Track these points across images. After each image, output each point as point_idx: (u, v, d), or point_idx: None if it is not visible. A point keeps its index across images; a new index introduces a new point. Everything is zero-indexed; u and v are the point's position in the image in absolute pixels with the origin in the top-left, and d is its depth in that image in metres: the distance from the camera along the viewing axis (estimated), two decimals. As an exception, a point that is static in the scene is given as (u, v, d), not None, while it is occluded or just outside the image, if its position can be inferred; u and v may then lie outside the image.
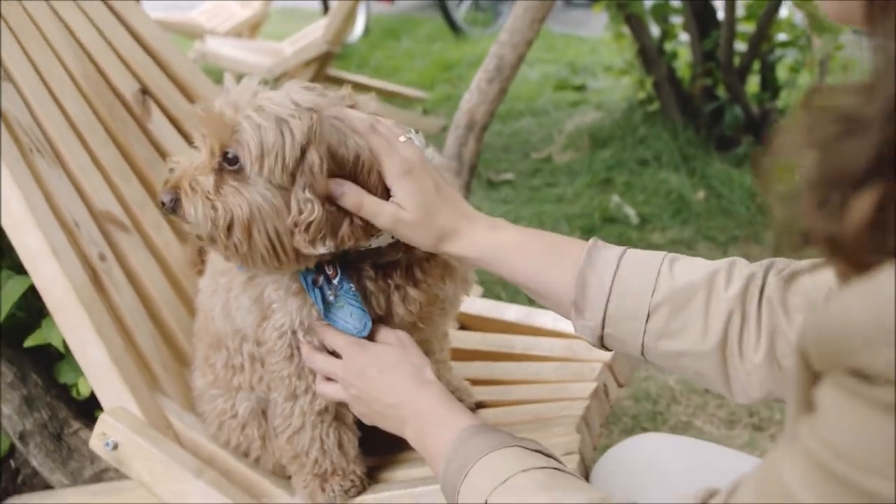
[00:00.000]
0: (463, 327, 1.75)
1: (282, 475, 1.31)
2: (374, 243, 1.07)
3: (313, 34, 4.34)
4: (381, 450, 1.31)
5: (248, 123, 0.98)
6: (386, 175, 1.00)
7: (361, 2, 6.45)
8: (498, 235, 1.01)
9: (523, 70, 5.20)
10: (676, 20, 3.81)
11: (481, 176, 3.67)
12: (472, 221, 1.02)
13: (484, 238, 1.00)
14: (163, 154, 1.61)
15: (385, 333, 1.09)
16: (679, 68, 3.87)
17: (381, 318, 1.14)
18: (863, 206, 0.43)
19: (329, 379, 1.12)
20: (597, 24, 4.31)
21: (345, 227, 1.01)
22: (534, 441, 0.92)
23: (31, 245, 1.35)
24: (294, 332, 1.14)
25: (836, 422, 0.44)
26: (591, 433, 1.30)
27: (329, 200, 1.00)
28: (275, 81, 3.52)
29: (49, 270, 1.34)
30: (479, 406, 1.45)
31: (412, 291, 1.12)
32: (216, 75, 5.18)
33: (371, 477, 1.29)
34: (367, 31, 6.47)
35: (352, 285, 1.08)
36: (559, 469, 0.87)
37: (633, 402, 2.20)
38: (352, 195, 0.99)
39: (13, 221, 1.35)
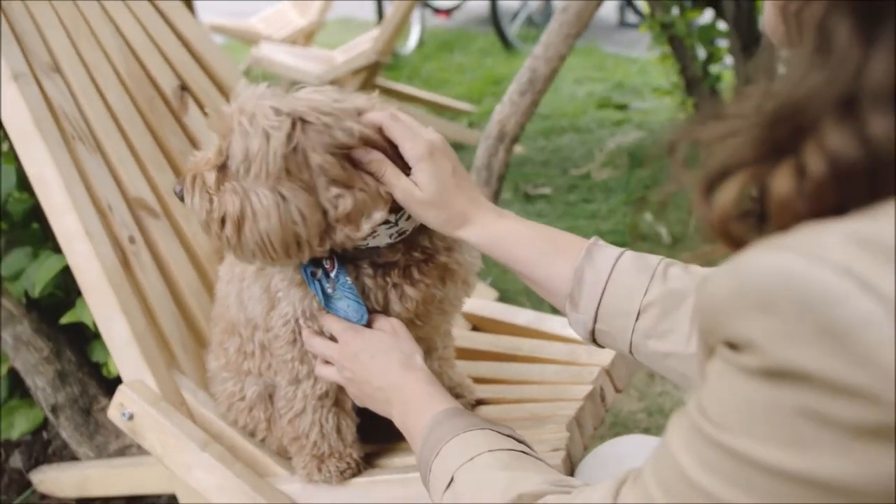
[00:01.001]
0: (475, 328, 1.81)
1: (285, 456, 1.37)
2: (372, 243, 1.12)
3: (365, 44, 4.44)
4: (380, 438, 1.38)
5: (238, 129, 1.04)
6: (407, 156, 1.05)
7: (417, 14, 6.57)
8: (504, 224, 1.05)
9: (570, 87, 5.24)
10: (723, 43, 3.82)
11: (519, 189, 3.72)
12: (481, 208, 1.06)
13: (491, 225, 1.04)
14: (196, 146, 1.71)
15: (380, 321, 1.15)
16: (724, 91, 3.88)
17: (379, 314, 1.19)
18: (727, 193, 0.49)
19: (327, 363, 1.19)
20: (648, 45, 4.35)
21: (383, 194, 1.05)
22: (508, 427, 0.98)
23: (68, 226, 1.44)
24: (297, 320, 1.21)
25: (712, 389, 0.48)
26: (583, 433, 1.34)
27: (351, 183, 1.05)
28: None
29: (82, 250, 1.43)
30: (479, 403, 1.50)
31: (409, 290, 1.17)
32: (270, 80, 5.33)
33: (368, 462, 1.35)
34: (421, 43, 6.57)
35: (348, 279, 1.13)
36: (526, 453, 0.92)
37: (646, 416, 2.23)
38: (377, 163, 1.04)
39: (53, 204, 1.44)
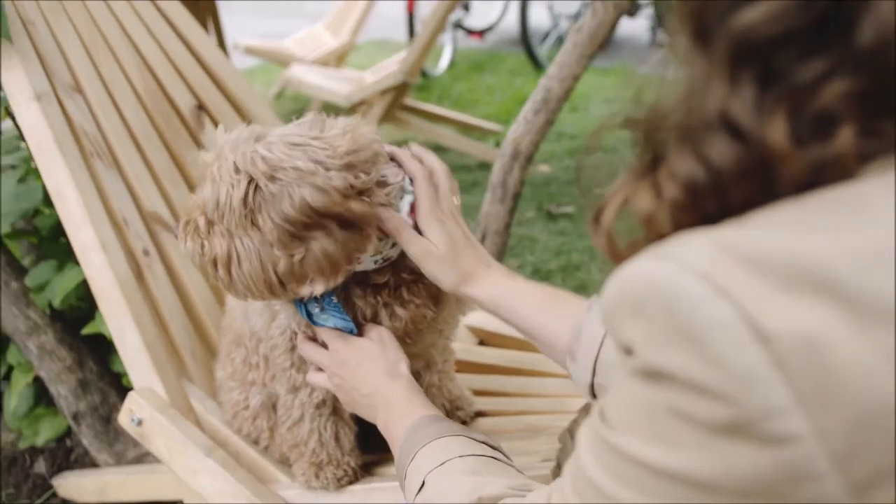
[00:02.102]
0: (482, 343, 1.84)
1: (286, 463, 1.41)
2: (359, 267, 1.14)
3: (394, 65, 4.51)
4: (378, 447, 1.41)
5: (209, 178, 1.07)
6: (422, 216, 1.10)
7: (449, 36, 6.65)
8: (509, 283, 1.09)
9: (599, 108, 5.26)
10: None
11: (542, 207, 3.74)
12: (489, 268, 1.11)
13: (496, 285, 1.09)
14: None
15: (368, 329, 1.18)
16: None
17: (368, 323, 1.21)
18: (607, 215, 0.52)
19: (320, 370, 1.23)
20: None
21: (327, 268, 1.05)
22: (483, 434, 1.00)
23: (84, 239, 1.50)
24: (294, 331, 1.25)
25: (612, 393, 0.50)
26: (575, 444, 1.36)
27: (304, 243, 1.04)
28: (348, 110, 3.67)
29: (97, 262, 1.49)
30: (479, 415, 1.53)
31: (399, 310, 1.19)
32: (302, 101, 5.43)
33: (366, 470, 1.39)
34: (452, 64, 6.64)
35: (334, 297, 1.16)
36: (498, 459, 0.95)
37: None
38: (392, 222, 1.08)
39: (70, 217, 1.51)
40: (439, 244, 1.08)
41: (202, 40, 1.87)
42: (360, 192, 1.04)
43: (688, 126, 0.50)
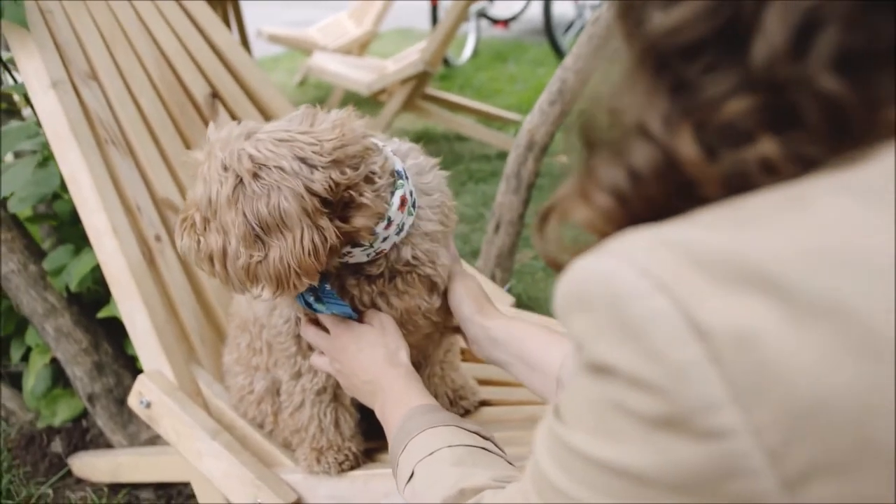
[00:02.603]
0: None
1: (290, 448, 1.44)
2: (351, 260, 1.16)
3: (416, 54, 4.51)
4: (381, 435, 1.42)
5: (200, 175, 1.09)
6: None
7: (473, 25, 6.64)
8: (518, 322, 1.20)
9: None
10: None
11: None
12: (499, 310, 1.25)
13: (510, 321, 1.20)
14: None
15: (369, 315, 1.20)
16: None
17: (369, 309, 1.23)
18: (551, 225, 0.54)
19: (322, 353, 1.25)
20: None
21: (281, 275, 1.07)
22: (475, 424, 1.02)
23: (97, 224, 1.53)
24: (297, 318, 1.27)
25: (567, 390, 0.51)
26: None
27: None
28: (370, 99, 3.65)
29: (109, 247, 1.52)
30: (482, 404, 1.54)
31: (394, 300, 1.21)
32: (324, 89, 5.45)
33: (368, 456, 1.41)
34: (475, 53, 6.64)
35: (327, 285, 1.17)
36: (488, 450, 0.96)
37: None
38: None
39: (84, 203, 1.54)
40: (467, 293, 1.24)
41: (218, 29, 1.89)
42: (347, 188, 1.05)
43: (613, 132, 0.51)
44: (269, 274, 1.05)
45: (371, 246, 1.13)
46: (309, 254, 1.03)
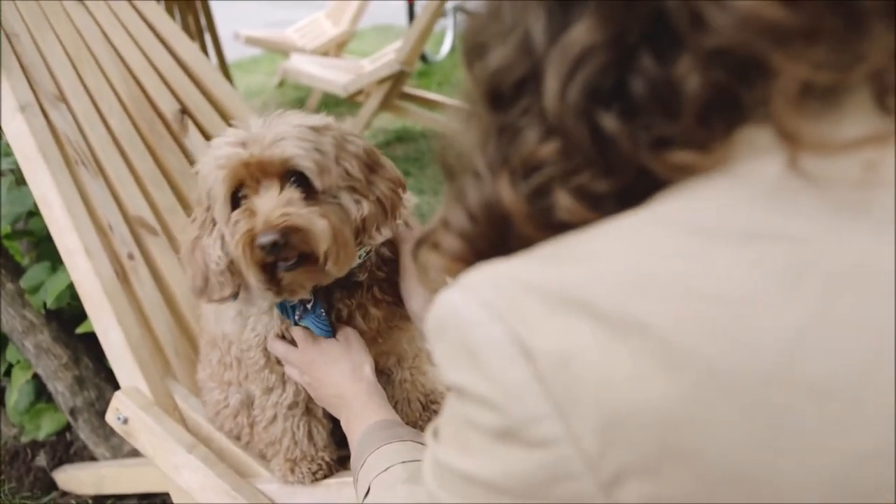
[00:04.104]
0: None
1: (266, 458, 1.47)
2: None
3: (393, 53, 4.53)
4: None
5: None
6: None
7: (451, 21, 6.65)
8: None
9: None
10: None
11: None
12: None
13: None
14: (194, 166, 1.81)
15: (337, 330, 1.24)
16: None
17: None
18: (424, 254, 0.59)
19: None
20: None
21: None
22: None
23: (70, 245, 1.56)
24: (266, 336, 1.30)
25: (444, 410, 0.56)
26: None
27: None
28: (347, 100, 3.65)
29: (83, 267, 1.55)
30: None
31: (373, 310, 1.24)
32: (304, 90, 5.46)
33: (342, 465, 1.44)
34: (453, 49, 6.66)
35: (322, 311, 1.21)
36: None
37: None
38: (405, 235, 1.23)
39: (56, 224, 1.56)
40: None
41: (184, 44, 1.91)
42: None
43: (457, 170, 0.56)
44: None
45: (370, 242, 1.17)
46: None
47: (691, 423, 0.43)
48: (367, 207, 1.13)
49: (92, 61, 1.76)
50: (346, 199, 1.13)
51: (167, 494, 1.98)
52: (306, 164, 1.09)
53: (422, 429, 1.36)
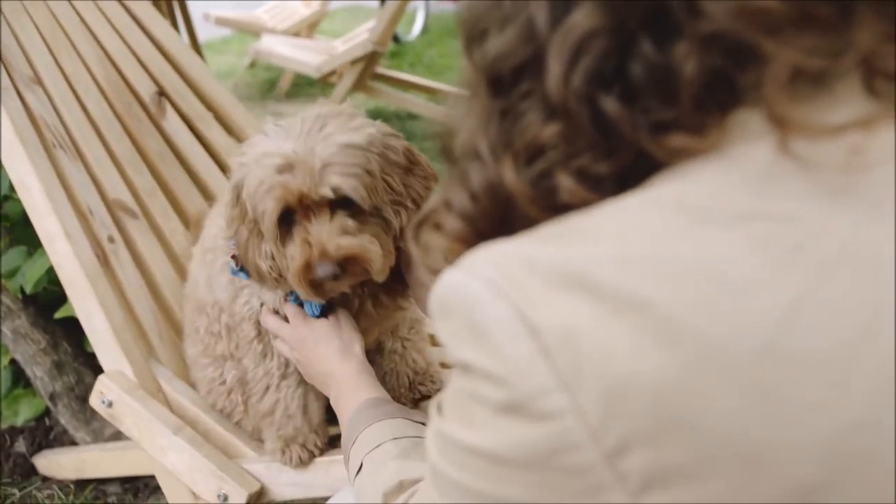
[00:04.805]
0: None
1: (259, 437, 1.48)
2: None
3: (365, 34, 4.52)
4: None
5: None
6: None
7: (421, 1, 6.63)
8: None
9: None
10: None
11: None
12: None
13: None
14: (174, 149, 1.81)
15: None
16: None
17: (355, 316, 1.30)
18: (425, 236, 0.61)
19: None
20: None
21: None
22: (422, 413, 1.07)
23: (49, 228, 1.55)
24: (261, 306, 1.31)
25: (446, 388, 0.58)
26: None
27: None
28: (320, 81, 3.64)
29: (63, 251, 1.54)
30: (445, 388, 1.59)
31: (383, 297, 1.29)
32: (275, 71, 5.42)
33: (332, 444, 1.45)
34: (425, 29, 6.64)
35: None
36: None
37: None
38: None
39: (35, 208, 1.55)
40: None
41: (160, 26, 1.90)
42: None
43: (459, 153, 0.58)
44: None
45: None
46: None
47: (689, 395, 0.46)
48: (405, 217, 1.15)
49: (67, 44, 1.75)
50: (389, 211, 1.15)
51: (150, 477, 1.99)
52: (357, 195, 1.10)
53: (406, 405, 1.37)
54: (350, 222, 1.12)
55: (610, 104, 0.50)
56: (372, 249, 1.12)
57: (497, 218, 0.56)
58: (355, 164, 1.10)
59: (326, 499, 1.20)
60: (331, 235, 1.11)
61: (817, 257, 0.46)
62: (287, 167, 1.09)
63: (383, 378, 1.45)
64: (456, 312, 0.52)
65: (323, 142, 1.10)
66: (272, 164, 1.10)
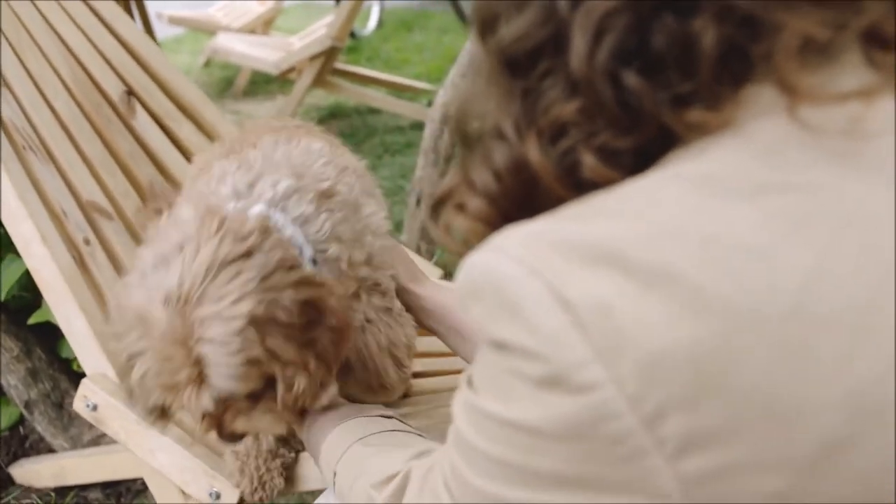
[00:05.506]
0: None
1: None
2: None
3: (322, 29, 4.50)
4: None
5: None
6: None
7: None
8: (447, 292, 1.27)
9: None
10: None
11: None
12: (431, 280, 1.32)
13: (437, 289, 1.28)
14: (145, 149, 1.79)
15: None
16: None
17: None
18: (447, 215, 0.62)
19: None
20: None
21: None
22: (378, 407, 1.09)
23: (24, 233, 1.52)
24: None
25: (475, 363, 0.59)
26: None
27: None
28: (278, 78, 3.62)
29: (39, 254, 1.51)
30: (417, 376, 1.60)
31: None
32: (231, 69, 5.37)
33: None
34: (380, 23, 6.62)
35: None
36: (395, 430, 1.02)
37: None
38: None
39: (9, 212, 1.52)
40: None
41: (125, 24, 1.88)
42: None
43: (480, 134, 0.59)
44: None
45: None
46: None
47: (721, 360, 0.48)
48: (302, 382, 0.99)
49: (32, 44, 1.72)
50: (281, 380, 0.99)
51: (132, 481, 1.97)
52: (242, 390, 0.98)
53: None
54: (242, 403, 1.02)
55: (632, 79, 0.52)
56: (268, 425, 1.05)
57: (520, 197, 0.58)
58: (237, 354, 0.94)
59: (319, 492, 1.20)
60: (224, 421, 1.03)
61: (833, 222, 0.49)
62: (169, 362, 0.95)
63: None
64: (488, 293, 0.53)
65: (201, 327, 0.94)
66: (154, 353, 0.96)
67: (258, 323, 0.94)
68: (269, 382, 1.00)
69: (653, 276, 0.49)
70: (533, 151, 0.55)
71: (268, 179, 1.10)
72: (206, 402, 0.96)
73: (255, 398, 1.02)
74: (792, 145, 0.51)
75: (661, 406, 0.48)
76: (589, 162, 0.54)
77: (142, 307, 0.98)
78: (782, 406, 0.48)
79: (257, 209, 1.06)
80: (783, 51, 0.50)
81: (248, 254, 0.97)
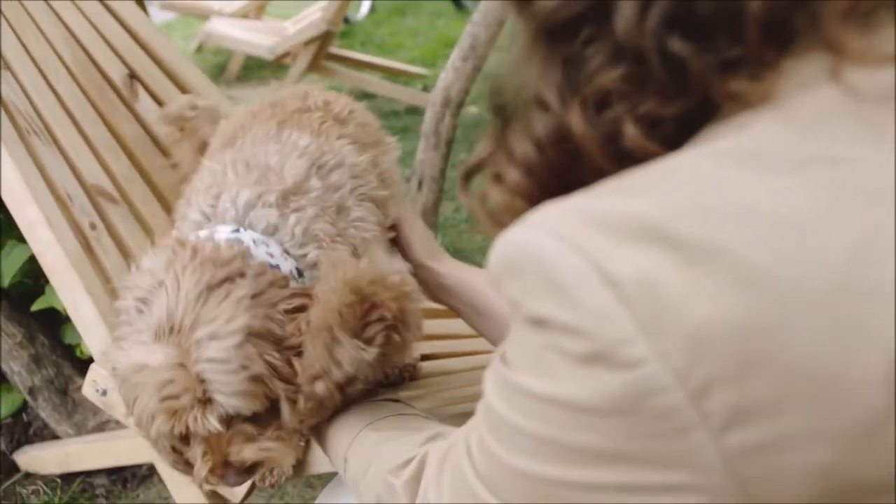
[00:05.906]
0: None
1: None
2: None
3: (316, 14, 4.47)
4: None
5: None
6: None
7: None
8: (466, 268, 1.27)
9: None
10: None
11: (473, 149, 3.80)
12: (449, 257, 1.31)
13: (457, 266, 1.27)
14: (149, 132, 1.77)
15: None
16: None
17: None
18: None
19: None
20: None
21: None
22: (384, 390, 1.09)
23: (29, 217, 1.51)
24: None
25: (510, 339, 0.58)
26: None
27: None
28: (273, 63, 3.61)
29: (45, 239, 1.50)
30: (425, 358, 1.60)
31: None
32: (224, 55, 5.33)
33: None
34: (373, 8, 6.59)
35: None
36: (402, 413, 1.02)
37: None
38: None
39: (13, 196, 1.51)
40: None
41: (128, 8, 1.86)
42: None
43: (518, 104, 0.59)
44: None
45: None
46: None
47: (767, 334, 0.47)
48: (302, 403, 0.97)
49: (34, 27, 1.70)
50: (283, 400, 0.97)
51: (138, 467, 1.97)
52: (248, 409, 0.96)
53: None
54: (249, 428, 1.00)
55: (679, 44, 0.52)
56: (277, 453, 1.01)
57: (560, 168, 0.57)
58: (239, 370, 0.93)
59: (325, 475, 1.19)
60: (232, 447, 0.99)
61: (875, 194, 0.48)
62: (170, 386, 0.93)
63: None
64: (528, 269, 0.52)
65: (198, 349, 0.93)
66: (153, 382, 0.94)
67: (256, 337, 0.94)
68: (274, 406, 0.98)
69: (696, 251, 0.48)
70: (576, 120, 0.55)
71: (226, 197, 1.09)
72: (213, 422, 0.94)
73: (262, 424, 1.00)
74: (833, 118, 0.50)
75: (707, 380, 0.48)
76: (630, 132, 0.54)
77: (137, 356, 0.96)
78: (826, 380, 0.47)
79: (224, 234, 1.05)
80: (831, 12, 0.51)
81: (231, 278, 0.97)
